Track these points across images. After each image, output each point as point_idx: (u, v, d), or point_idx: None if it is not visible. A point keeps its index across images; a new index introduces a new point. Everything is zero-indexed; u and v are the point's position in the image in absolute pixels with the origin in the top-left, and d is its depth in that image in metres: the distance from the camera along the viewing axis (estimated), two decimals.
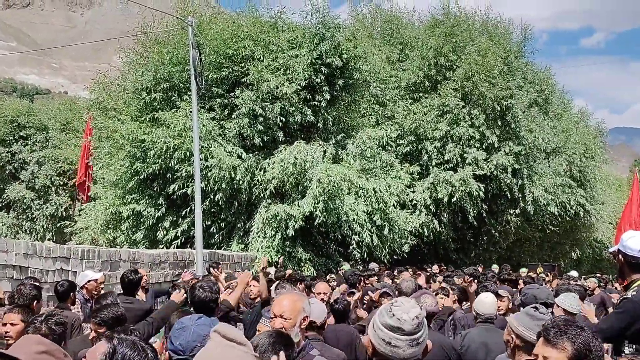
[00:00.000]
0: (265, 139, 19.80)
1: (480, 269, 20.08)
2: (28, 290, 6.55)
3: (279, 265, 13.50)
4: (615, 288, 16.34)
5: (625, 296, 4.89)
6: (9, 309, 5.59)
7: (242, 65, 20.00)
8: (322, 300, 8.51)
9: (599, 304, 12.12)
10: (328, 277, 14.77)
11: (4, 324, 5.16)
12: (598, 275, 23.35)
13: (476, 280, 13.41)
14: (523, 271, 20.17)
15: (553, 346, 2.95)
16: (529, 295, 7.24)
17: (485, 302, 6.54)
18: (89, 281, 8.74)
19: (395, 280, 13.33)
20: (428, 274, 16.29)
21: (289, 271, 14.83)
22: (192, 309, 6.01)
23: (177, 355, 3.28)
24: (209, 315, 5.40)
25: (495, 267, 21.53)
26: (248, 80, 19.42)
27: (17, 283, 9.13)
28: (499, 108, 25.52)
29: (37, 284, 7.91)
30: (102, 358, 2.73)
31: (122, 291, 8.38)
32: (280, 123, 19.55)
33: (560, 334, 2.96)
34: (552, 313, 5.72)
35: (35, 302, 6.43)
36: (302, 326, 4.06)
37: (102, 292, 9.02)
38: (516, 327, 4.26)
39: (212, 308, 5.83)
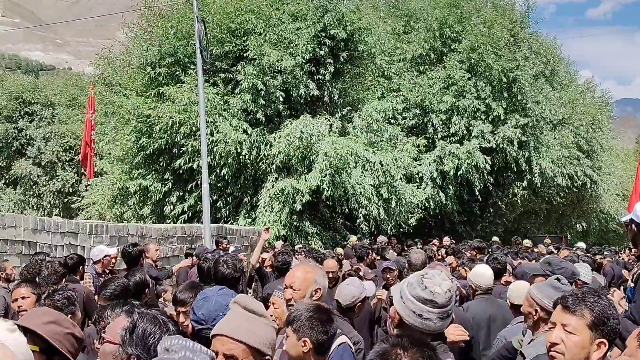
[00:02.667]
0: (269, 113, 19.71)
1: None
2: (58, 267, 6.54)
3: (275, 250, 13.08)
4: (623, 260, 16.31)
5: None
6: (16, 284, 5.59)
7: (245, 39, 19.89)
8: (330, 277, 8.51)
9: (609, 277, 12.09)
10: (339, 250, 14.67)
11: (15, 300, 5.17)
12: (605, 247, 23.30)
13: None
14: (527, 242, 20.16)
15: (572, 313, 2.95)
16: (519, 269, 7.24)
17: (483, 274, 6.53)
18: (105, 256, 8.79)
19: (404, 254, 13.34)
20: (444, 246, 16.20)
21: (297, 246, 14.87)
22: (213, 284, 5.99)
23: (199, 325, 3.29)
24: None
25: (496, 239, 21.53)
26: (250, 55, 19.32)
27: (26, 258, 9.17)
28: (505, 80, 25.37)
29: (53, 259, 7.97)
30: (122, 333, 2.75)
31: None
32: (282, 97, 19.45)
33: (579, 301, 2.97)
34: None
35: (62, 280, 6.44)
36: (314, 298, 3.98)
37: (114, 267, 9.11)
38: (541, 300, 4.24)
39: (235, 285, 5.79)
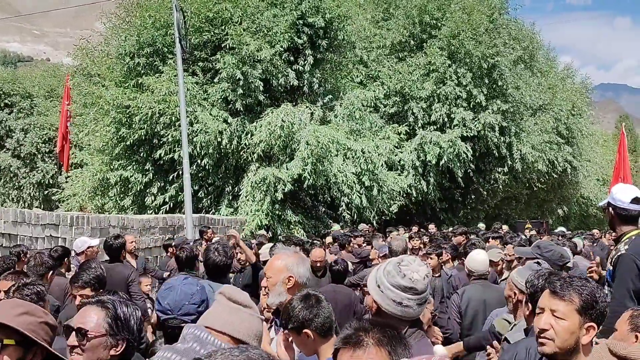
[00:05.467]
0: (248, 103, 19.64)
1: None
2: (45, 258, 6.46)
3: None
4: (602, 244, 16.44)
5: (619, 253, 4.89)
6: (4, 276, 5.53)
7: (223, 28, 19.79)
8: (318, 267, 8.56)
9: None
10: (328, 239, 14.61)
11: None
12: (583, 232, 23.47)
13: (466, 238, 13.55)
14: (505, 228, 20.40)
15: (560, 298, 2.94)
16: None
17: (478, 260, 6.58)
18: (88, 247, 8.75)
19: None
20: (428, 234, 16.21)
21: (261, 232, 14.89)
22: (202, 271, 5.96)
23: (165, 315, 3.28)
24: (221, 280, 5.36)
25: (482, 225, 21.65)
26: (229, 45, 19.23)
27: (5, 251, 9.11)
28: (485, 66, 25.45)
29: (19, 250, 7.90)
30: (106, 326, 2.80)
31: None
32: (261, 87, 19.39)
33: (567, 285, 2.96)
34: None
35: (50, 272, 6.37)
36: (287, 286, 3.96)
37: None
38: (519, 282, 4.28)
39: (225, 273, 5.77)
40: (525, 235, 16.34)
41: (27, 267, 6.40)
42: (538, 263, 4.46)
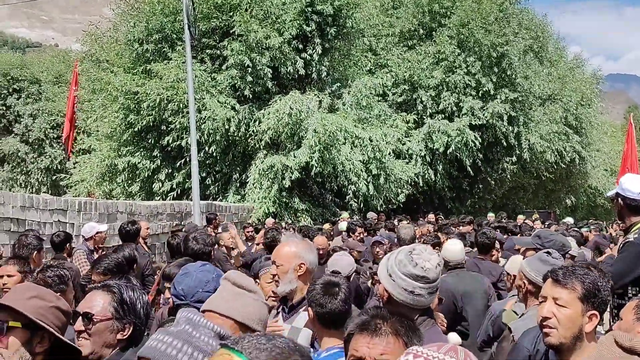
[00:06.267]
0: (257, 90, 19.63)
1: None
2: (29, 240, 6.51)
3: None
4: (610, 235, 16.42)
5: (627, 240, 4.89)
6: (5, 260, 5.56)
7: (231, 15, 19.75)
8: (321, 254, 8.57)
9: (594, 249, 12.20)
10: (326, 226, 14.67)
11: (1, 277, 5.14)
12: (591, 220, 23.43)
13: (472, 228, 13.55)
14: (520, 217, 20.29)
15: (563, 287, 2.94)
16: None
17: (453, 250, 6.55)
18: (97, 233, 8.77)
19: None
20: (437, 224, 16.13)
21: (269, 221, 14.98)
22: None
23: (178, 300, 3.30)
24: None
25: (491, 215, 21.60)
26: (237, 32, 19.20)
27: (15, 236, 9.13)
28: (494, 55, 25.35)
29: (37, 234, 7.92)
30: (112, 310, 2.82)
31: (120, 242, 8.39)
32: (270, 74, 19.37)
33: (569, 274, 2.96)
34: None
35: (35, 252, 6.41)
36: (299, 272, 3.96)
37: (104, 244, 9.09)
38: (528, 273, 4.27)
39: (205, 260, 5.78)
40: (527, 226, 16.31)
41: (14, 250, 6.45)
42: (548, 252, 4.44)
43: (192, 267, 3.47)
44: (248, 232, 13.31)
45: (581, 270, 2.98)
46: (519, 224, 16.05)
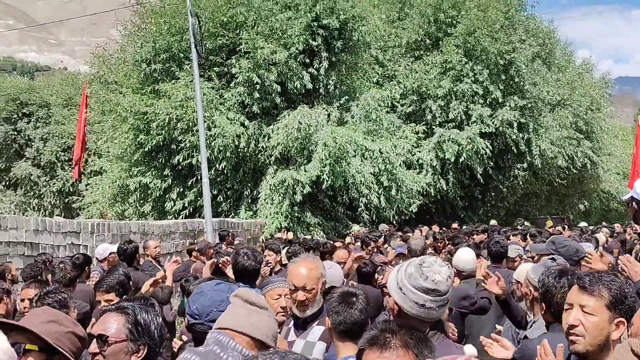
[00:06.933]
0: (265, 106, 19.69)
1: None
2: (70, 268, 6.47)
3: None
4: (625, 239, 16.31)
5: None
6: (25, 284, 5.58)
7: (237, 32, 19.84)
8: (342, 267, 8.59)
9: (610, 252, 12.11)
10: (347, 239, 14.63)
11: (22, 300, 5.17)
12: (605, 225, 23.33)
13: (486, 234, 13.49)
14: (527, 224, 20.27)
15: (590, 294, 2.90)
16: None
17: (465, 259, 6.52)
18: (110, 254, 8.79)
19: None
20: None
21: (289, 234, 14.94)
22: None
23: (193, 320, 3.30)
24: (251, 285, 5.32)
25: (493, 222, 21.53)
26: (243, 49, 19.27)
27: (28, 259, 9.16)
28: (502, 62, 25.34)
29: (44, 258, 7.96)
30: (127, 331, 2.82)
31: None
32: (279, 89, 19.42)
33: (596, 281, 2.93)
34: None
35: (75, 281, 6.41)
36: (321, 291, 4.03)
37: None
38: (533, 280, 4.25)
39: (254, 277, 5.72)
40: (547, 232, 16.23)
41: (51, 278, 6.43)
42: (553, 259, 4.42)
43: (207, 286, 3.47)
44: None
45: (607, 276, 2.95)
46: (542, 231, 15.96)
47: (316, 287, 3.99)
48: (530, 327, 4.44)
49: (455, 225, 20.45)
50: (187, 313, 3.37)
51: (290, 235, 15.95)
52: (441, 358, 1.95)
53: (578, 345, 2.90)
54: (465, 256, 6.57)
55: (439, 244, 11.61)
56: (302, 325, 4.03)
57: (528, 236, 12.54)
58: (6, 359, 2.21)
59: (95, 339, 2.81)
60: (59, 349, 2.72)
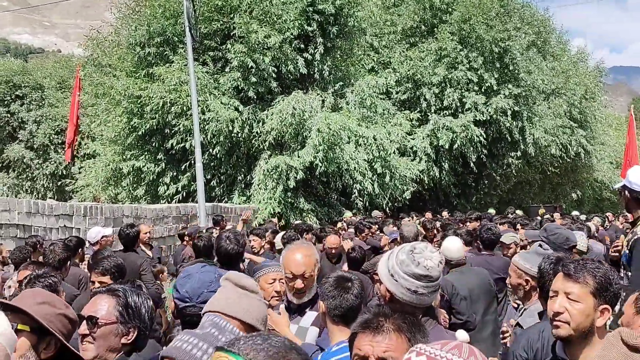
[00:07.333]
0: (260, 91, 19.64)
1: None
2: (60, 250, 6.45)
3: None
4: (617, 227, 16.39)
5: (636, 237, 4.86)
6: (23, 266, 5.56)
7: (232, 16, 19.76)
8: (333, 253, 8.70)
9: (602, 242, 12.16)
10: (339, 225, 14.74)
11: (19, 281, 5.16)
12: (599, 215, 23.42)
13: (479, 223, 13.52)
14: (518, 212, 20.36)
15: (575, 281, 2.93)
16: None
17: (452, 248, 6.53)
18: (102, 237, 8.79)
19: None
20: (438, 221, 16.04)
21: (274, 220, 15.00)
22: (216, 259, 5.94)
23: (183, 303, 3.29)
24: (234, 268, 5.32)
25: (492, 211, 21.58)
26: (238, 33, 19.20)
27: (21, 241, 9.16)
28: (497, 50, 25.30)
29: (36, 240, 7.95)
30: (117, 314, 2.83)
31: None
32: (274, 74, 19.37)
33: (581, 268, 2.94)
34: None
35: (67, 263, 6.39)
36: (316, 276, 4.04)
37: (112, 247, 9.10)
38: (529, 269, 4.24)
39: (237, 260, 5.73)
40: (539, 219, 16.30)
41: (43, 259, 6.42)
42: (540, 245, 4.43)
43: (193, 269, 3.47)
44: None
45: (592, 264, 2.96)
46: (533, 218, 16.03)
47: (313, 273, 3.99)
48: (521, 314, 4.44)
49: (445, 213, 20.44)
50: (176, 297, 3.36)
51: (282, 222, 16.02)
52: (434, 342, 1.95)
53: (561, 330, 2.92)
54: (452, 245, 6.58)
55: (429, 234, 11.61)
56: (296, 309, 4.03)
57: (519, 225, 12.62)
58: (5, 341, 2.21)
59: (85, 320, 2.82)
60: (51, 329, 2.72)
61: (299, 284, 3.96)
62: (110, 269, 5.00)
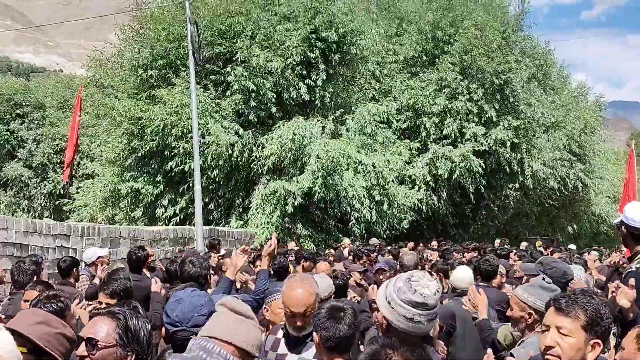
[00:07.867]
0: (261, 115, 19.73)
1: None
2: (27, 266, 6.50)
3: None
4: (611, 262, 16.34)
5: (629, 269, 4.87)
6: (30, 286, 5.56)
7: (234, 41, 19.89)
8: None
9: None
10: (327, 251, 14.74)
11: (26, 301, 5.15)
12: (596, 247, 23.40)
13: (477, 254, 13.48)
14: (524, 244, 20.22)
15: (566, 315, 2.93)
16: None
17: (462, 277, 6.51)
18: (98, 257, 8.76)
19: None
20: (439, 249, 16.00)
21: (291, 244, 14.89)
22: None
23: (174, 327, 3.28)
24: (202, 290, 5.33)
25: (497, 242, 21.52)
26: (240, 57, 19.31)
27: (17, 260, 9.12)
28: (497, 82, 25.37)
29: (35, 259, 7.91)
30: (117, 336, 2.81)
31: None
32: (274, 99, 19.45)
33: (572, 302, 2.95)
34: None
35: (35, 277, 6.39)
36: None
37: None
38: (533, 303, 4.21)
39: (202, 284, 5.74)
40: (531, 250, 16.25)
41: (12, 278, 6.47)
42: (544, 279, 4.42)
43: (183, 293, 3.46)
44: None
45: (584, 298, 2.97)
46: (527, 250, 15.96)
47: (314, 310, 3.90)
48: (520, 344, 4.40)
49: (434, 243, 20.27)
50: (166, 322, 3.35)
51: (293, 244, 15.94)
52: None
53: None
54: (463, 275, 6.57)
55: (421, 263, 11.55)
56: (295, 339, 3.99)
57: (515, 257, 12.57)
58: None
59: (84, 342, 2.80)
60: (48, 350, 2.71)
61: (299, 322, 3.93)
62: (120, 292, 5.00)
